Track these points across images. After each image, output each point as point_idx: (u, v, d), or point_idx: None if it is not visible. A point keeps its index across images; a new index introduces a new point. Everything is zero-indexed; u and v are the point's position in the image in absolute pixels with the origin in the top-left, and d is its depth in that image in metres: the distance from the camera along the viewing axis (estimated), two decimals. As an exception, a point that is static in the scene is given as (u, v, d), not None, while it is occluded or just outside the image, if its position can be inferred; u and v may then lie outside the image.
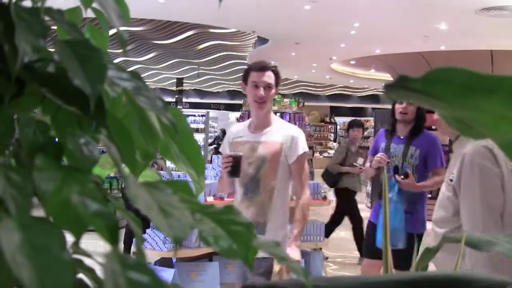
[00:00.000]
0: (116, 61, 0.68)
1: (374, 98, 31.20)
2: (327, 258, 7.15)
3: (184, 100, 27.70)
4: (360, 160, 7.30)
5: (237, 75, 24.17)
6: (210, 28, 14.43)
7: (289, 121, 7.24)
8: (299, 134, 3.22)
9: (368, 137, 17.60)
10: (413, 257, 0.98)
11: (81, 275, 0.60)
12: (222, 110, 27.66)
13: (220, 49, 17.88)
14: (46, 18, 0.64)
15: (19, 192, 0.51)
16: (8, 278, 0.47)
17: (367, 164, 4.52)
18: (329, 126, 30.63)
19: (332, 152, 28.90)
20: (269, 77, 3.15)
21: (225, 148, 3.33)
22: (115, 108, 0.71)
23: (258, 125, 3.24)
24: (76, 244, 0.57)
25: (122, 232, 6.83)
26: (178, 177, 4.84)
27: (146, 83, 0.63)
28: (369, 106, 31.62)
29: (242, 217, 0.60)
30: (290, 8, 10.55)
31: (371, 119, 18.76)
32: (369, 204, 9.43)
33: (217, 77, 24.31)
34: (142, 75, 0.64)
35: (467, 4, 9.50)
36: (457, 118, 0.57)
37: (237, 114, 16.22)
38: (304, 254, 5.65)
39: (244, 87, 3.24)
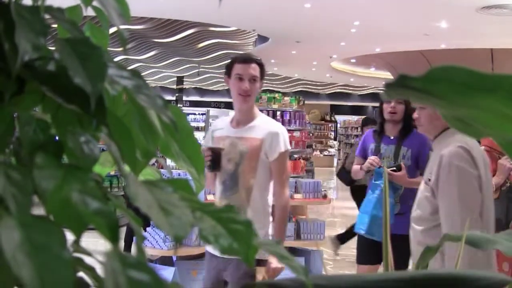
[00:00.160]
0: (116, 59, 0.68)
1: (374, 97, 31.17)
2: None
3: (184, 98, 27.68)
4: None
5: (238, 74, 24.08)
6: (210, 27, 14.42)
7: (289, 120, 7.25)
8: (281, 131, 3.08)
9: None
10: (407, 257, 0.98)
11: (81, 274, 0.60)
12: (223, 108, 27.64)
13: (221, 47, 17.86)
14: (47, 16, 0.64)
15: (20, 190, 0.51)
16: (9, 276, 0.47)
17: (355, 166, 4.33)
18: (330, 125, 30.65)
19: (332, 150, 28.99)
20: (254, 69, 3.02)
21: (207, 142, 3.21)
22: (116, 107, 0.71)
23: (240, 120, 3.10)
24: (76, 242, 0.57)
25: (122, 231, 6.84)
26: (179, 175, 4.85)
27: (147, 82, 0.63)
28: (370, 104, 31.60)
29: (242, 216, 0.60)
30: (291, 6, 10.55)
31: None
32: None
33: (217, 75, 24.29)
34: (142, 74, 0.64)
35: (468, 2, 9.49)
36: (457, 117, 0.57)
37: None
38: (304, 252, 5.67)
39: (227, 81, 3.11)
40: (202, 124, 13.86)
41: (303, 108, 7.57)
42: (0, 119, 0.59)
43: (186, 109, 15.63)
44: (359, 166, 4.25)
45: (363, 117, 7.99)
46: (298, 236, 5.66)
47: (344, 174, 7.52)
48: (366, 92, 30.82)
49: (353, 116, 28.95)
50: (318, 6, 10.28)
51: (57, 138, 0.61)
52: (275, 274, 2.90)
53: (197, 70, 22.43)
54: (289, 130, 6.87)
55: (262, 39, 15.12)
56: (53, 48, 0.62)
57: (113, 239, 0.53)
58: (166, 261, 5.09)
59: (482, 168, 2.63)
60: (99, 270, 0.53)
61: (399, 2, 9.80)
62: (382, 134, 4.18)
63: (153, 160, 0.83)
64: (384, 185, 1.15)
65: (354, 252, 7.40)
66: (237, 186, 3.03)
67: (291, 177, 6.20)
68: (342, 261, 7.41)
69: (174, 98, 24.65)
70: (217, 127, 3.21)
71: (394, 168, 3.86)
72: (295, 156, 7.03)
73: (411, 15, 10.72)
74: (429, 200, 2.73)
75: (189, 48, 17.88)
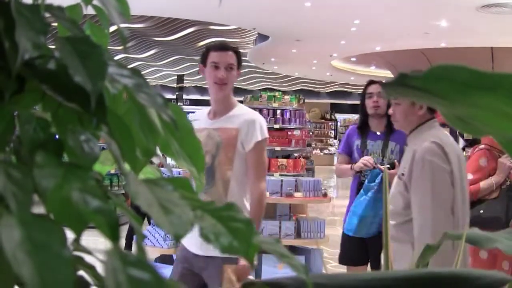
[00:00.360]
0: (116, 58, 0.68)
1: (374, 95, 31.09)
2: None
3: (185, 97, 27.68)
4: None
5: (238, 72, 24.09)
6: (210, 25, 14.42)
7: (289, 118, 7.24)
8: (258, 119, 2.96)
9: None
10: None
11: (81, 272, 0.60)
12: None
13: (221, 46, 17.84)
14: (47, 15, 0.64)
15: (20, 189, 0.51)
16: (9, 275, 0.47)
17: (343, 166, 4.17)
18: (330, 123, 30.64)
19: (333, 149, 28.97)
20: (230, 57, 2.91)
21: None
22: (116, 105, 0.71)
23: (217, 111, 2.99)
24: (76, 241, 0.57)
25: (123, 229, 6.84)
26: (179, 174, 4.85)
27: (147, 80, 0.63)
28: (370, 103, 31.54)
29: (243, 214, 0.61)
30: (291, 5, 10.54)
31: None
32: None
33: (217, 74, 24.26)
34: (142, 72, 0.64)
35: (468, 1, 9.49)
36: (457, 116, 0.57)
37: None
38: (304, 251, 5.67)
39: (202, 70, 3.00)
40: (202, 123, 13.80)
41: (303, 106, 7.57)
42: (0, 117, 0.59)
43: (187, 108, 15.63)
44: (348, 166, 4.10)
45: None
46: (298, 235, 5.66)
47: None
48: (366, 91, 30.73)
49: (353, 115, 28.94)
50: (318, 4, 10.28)
51: (57, 136, 0.61)
52: (243, 273, 2.72)
53: (197, 69, 22.43)
54: (289, 129, 6.90)
55: (262, 37, 15.11)
56: (53, 47, 0.62)
57: (114, 237, 0.53)
58: (166, 259, 5.09)
59: (455, 164, 2.68)
60: (100, 268, 0.53)
61: (399, 1, 9.80)
62: (367, 130, 4.09)
63: (157, 161, 0.83)
64: (384, 185, 1.15)
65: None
66: (214, 179, 2.92)
67: (291, 175, 6.21)
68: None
69: (174, 97, 24.66)
70: (195, 121, 3.13)
71: (388, 166, 3.79)
72: (295, 154, 7.03)
73: (412, 14, 10.71)
74: (402, 194, 2.76)
75: (189, 46, 17.88)
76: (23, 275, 0.42)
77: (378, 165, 3.86)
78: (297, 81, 27.43)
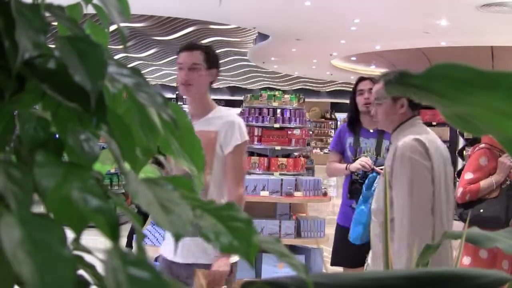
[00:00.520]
0: (116, 57, 0.68)
1: (374, 95, 31.09)
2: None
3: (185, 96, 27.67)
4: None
5: (238, 71, 24.15)
6: (210, 25, 14.41)
7: (289, 117, 7.24)
8: (238, 121, 2.88)
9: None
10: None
11: (81, 272, 0.60)
12: (223, 106, 27.64)
13: (221, 45, 17.85)
14: (47, 14, 0.64)
15: (20, 188, 0.51)
16: (9, 274, 0.47)
17: (336, 165, 4.06)
18: (330, 122, 30.64)
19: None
20: (195, 56, 2.80)
21: None
22: (116, 104, 0.71)
23: (194, 113, 2.90)
24: (76, 240, 0.57)
25: (124, 228, 6.83)
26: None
27: (147, 79, 0.63)
28: (370, 102, 31.57)
29: (243, 214, 0.61)
30: (291, 4, 10.54)
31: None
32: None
33: (217, 73, 24.29)
34: (142, 71, 0.64)
35: (468, 0, 9.48)
36: (457, 115, 0.57)
37: (238, 110, 16.21)
38: (304, 250, 5.67)
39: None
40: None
41: (303, 106, 7.55)
42: (0, 117, 0.59)
43: (186, 107, 15.63)
44: (342, 166, 3.99)
45: None
46: (298, 234, 5.66)
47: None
48: (366, 90, 30.74)
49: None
50: (318, 3, 10.27)
51: (57, 136, 0.61)
52: (216, 279, 2.60)
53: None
54: (289, 128, 6.89)
55: (263, 37, 15.11)
56: (53, 46, 0.62)
57: (113, 237, 0.53)
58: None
59: (436, 161, 2.68)
60: (100, 268, 0.53)
61: (399, 0, 9.79)
62: (359, 127, 4.02)
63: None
64: (384, 185, 1.15)
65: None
66: None
67: (291, 174, 6.20)
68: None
69: (174, 96, 24.64)
70: None
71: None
72: (295, 154, 7.03)
73: (412, 13, 10.70)
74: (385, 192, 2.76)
75: (189, 46, 17.84)
76: (23, 274, 0.42)
77: (376, 167, 3.75)
78: (297, 80, 27.43)
